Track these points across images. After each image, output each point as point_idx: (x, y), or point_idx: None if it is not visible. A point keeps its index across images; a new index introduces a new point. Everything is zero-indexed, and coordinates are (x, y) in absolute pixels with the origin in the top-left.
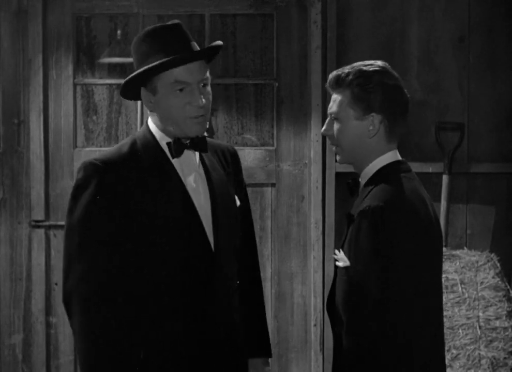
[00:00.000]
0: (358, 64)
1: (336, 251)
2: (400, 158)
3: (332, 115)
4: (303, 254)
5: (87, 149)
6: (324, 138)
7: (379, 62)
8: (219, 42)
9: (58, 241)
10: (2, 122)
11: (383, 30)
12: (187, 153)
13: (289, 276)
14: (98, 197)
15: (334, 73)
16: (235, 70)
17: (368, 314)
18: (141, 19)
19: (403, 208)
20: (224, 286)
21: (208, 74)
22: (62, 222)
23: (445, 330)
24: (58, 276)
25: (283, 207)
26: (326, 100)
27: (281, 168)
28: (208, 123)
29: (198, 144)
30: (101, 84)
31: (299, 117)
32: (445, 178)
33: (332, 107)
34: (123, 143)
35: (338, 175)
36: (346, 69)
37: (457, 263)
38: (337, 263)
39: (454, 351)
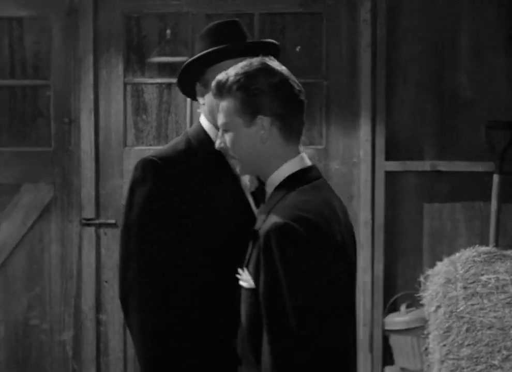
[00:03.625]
0: (237, 66)
1: (240, 271)
2: (307, 164)
3: (222, 127)
4: None
5: (137, 147)
6: (373, 137)
7: (258, 59)
8: (273, 41)
9: (108, 239)
10: (54, 121)
11: (433, 27)
12: None
13: None
14: (155, 194)
15: (216, 79)
16: None
17: (276, 343)
18: (191, 18)
19: (308, 226)
20: None
21: None
22: (113, 221)
23: (496, 331)
24: (108, 274)
25: None
26: (375, 99)
27: (330, 167)
28: None
29: None
30: (151, 84)
31: (348, 116)
32: (495, 177)
33: (220, 118)
34: (178, 141)
35: (388, 174)
36: (226, 74)
37: (508, 263)
38: (241, 282)
39: (505, 352)
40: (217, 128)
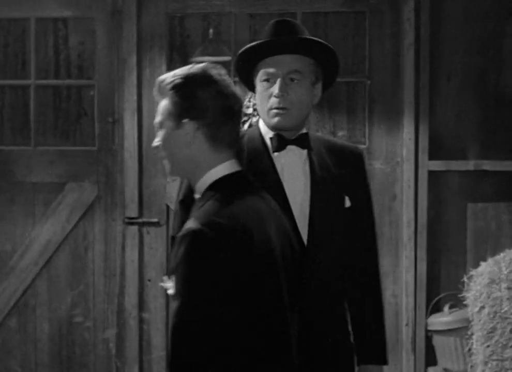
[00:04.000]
0: (180, 69)
1: (165, 278)
2: (236, 169)
3: (156, 125)
4: (395, 253)
5: None
6: (416, 136)
7: (201, 65)
8: (311, 38)
9: (151, 237)
10: (98, 120)
11: (477, 25)
12: (291, 148)
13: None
14: None
15: (157, 79)
16: None
17: (173, 358)
18: (234, 18)
19: (219, 231)
20: (317, 281)
21: (299, 68)
22: (156, 220)
23: None
24: (151, 272)
25: (375, 206)
26: (418, 98)
27: (373, 166)
28: (295, 118)
29: (300, 140)
30: None
31: (391, 115)
32: None
33: (156, 116)
34: None
35: (431, 173)
36: (168, 74)
37: None
38: (168, 291)
39: None
40: (269, 128)
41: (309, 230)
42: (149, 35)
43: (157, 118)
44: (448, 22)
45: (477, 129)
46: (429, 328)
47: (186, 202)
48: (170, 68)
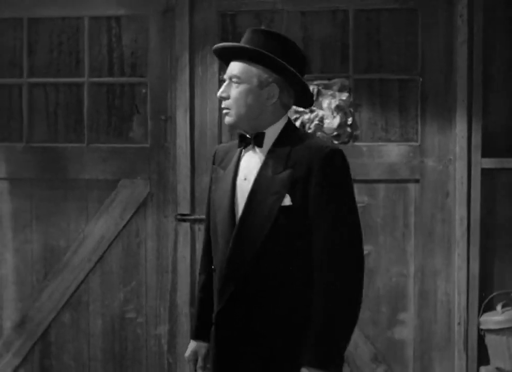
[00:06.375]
0: None
1: None
2: None
3: None
4: (447, 251)
5: (229, 144)
6: (469, 133)
7: None
8: (239, 44)
9: (203, 234)
10: (150, 118)
11: None
12: (251, 146)
13: (433, 273)
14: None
15: None
16: (379, 65)
17: None
18: (286, 15)
19: None
20: (239, 263)
21: (237, 73)
22: None
23: None
24: None
25: (427, 204)
26: (472, 96)
27: (425, 164)
28: (236, 117)
29: (254, 139)
30: None
31: (444, 113)
32: None
33: None
34: None
35: (484, 171)
36: None
37: None
38: None
39: None
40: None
41: (241, 217)
42: (201, 33)
43: None
44: (502, 18)
45: None
46: (482, 327)
47: None
48: (222, 66)
